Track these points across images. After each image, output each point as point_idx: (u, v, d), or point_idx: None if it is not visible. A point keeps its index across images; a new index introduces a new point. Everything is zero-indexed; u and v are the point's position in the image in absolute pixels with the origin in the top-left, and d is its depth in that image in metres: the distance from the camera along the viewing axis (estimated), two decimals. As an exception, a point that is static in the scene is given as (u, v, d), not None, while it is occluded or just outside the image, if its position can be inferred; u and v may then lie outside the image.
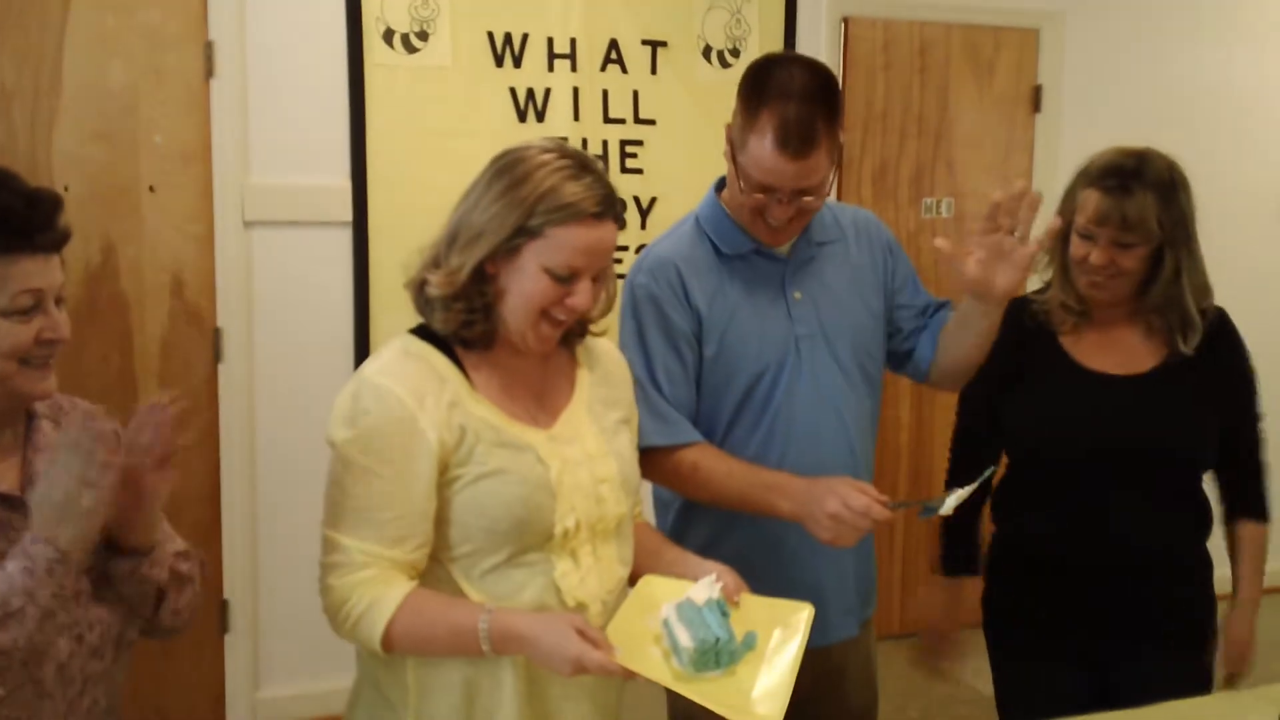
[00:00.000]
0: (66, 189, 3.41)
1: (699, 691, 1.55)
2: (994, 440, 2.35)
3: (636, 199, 3.97)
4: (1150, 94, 4.64)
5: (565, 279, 1.67)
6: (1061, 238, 2.29)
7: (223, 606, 3.68)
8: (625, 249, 3.94)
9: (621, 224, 1.74)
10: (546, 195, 1.64)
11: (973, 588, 2.43)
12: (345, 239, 3.67)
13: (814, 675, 2.14)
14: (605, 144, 3.91)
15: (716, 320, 2.13)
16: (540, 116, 3.82)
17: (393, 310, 3.57)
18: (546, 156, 1.68)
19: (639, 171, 3.95)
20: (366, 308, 3.69)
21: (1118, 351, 2.28)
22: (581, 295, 1.69)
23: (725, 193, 2.20)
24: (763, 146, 1.98)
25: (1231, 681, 2.31)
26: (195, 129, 3.53)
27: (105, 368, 3.51)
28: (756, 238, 2.14)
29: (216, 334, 3.60)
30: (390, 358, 1.69)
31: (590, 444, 1.78)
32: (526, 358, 1.76)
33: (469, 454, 1.66)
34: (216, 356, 3.61)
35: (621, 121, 3.93)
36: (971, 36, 4.44)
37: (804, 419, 2.15)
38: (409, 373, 1.67)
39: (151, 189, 3.51)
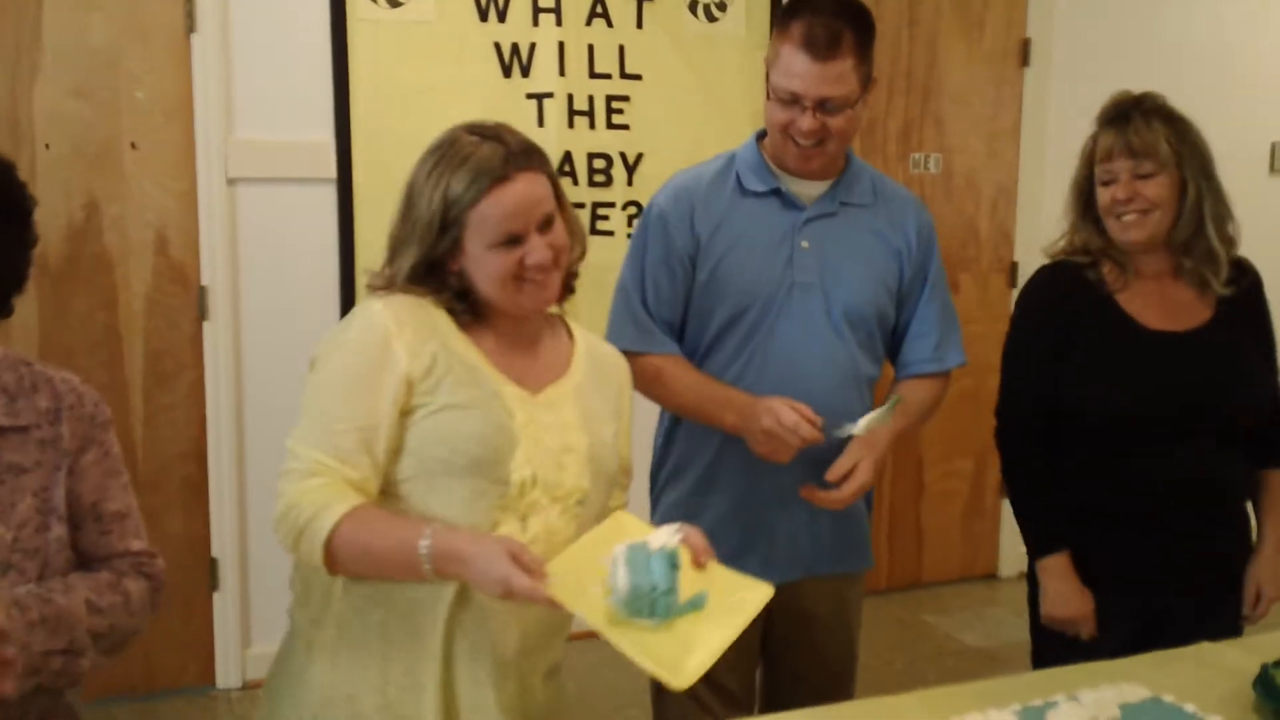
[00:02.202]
0: (48, 147, 3.38)
1: (620, 634, 1.49)
2: (1054, 405, 2.29)
3: (623, 155, 3.94)
4: (1140, 47, 4.61)
5: (512, 243, 1.68)
6: (1080, 195, 2.31)
7: (211, 565, 3.68)
8: (612, 205, 3.93)
9: (543, 170, 1.73)
10: (450, 183, 1.66)
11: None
12: (330, 195, 3.65)
13: (782, 612, 2.17)
14: (591, 99, 3.87)
15: (715, 247, 2.21)
16: (525, 71, 3.79)
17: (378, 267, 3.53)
18: (466, 137, 1.70)
19: (625, 127, 3.92)
20: (352, 264, 3.66)
21: (1172, 307, 2.28)
22: (535, 251, 1.69)
23: (765, 140, 2.27)
24: (790, 52, 2.10)
25: (1251, 623, 2.33)
26: (177, 85, 3.50)
27: (89, 325, 3.49)
28: (787, 171, 2.20)
29: (202, 292, 3.58)
30: (392, 296, 1.71)
31: (567, 415, 1.77)
32: (521, 328, 1.78)
33: (436, 384, 1.66)
34: (201, 314, 3.58)
35: (607, 76, 3.90)
36: (960, -12, 4.41)
37: (782, 362, 2.20)
38: (401, 304, 1.69)
39: (133, 145, 3.47)
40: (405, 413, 1.66)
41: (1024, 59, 4.53)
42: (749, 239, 2.21)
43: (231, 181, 3.55)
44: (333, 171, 3.63)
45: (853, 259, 2.24)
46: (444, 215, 1.67)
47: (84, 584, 1.58)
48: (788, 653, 2.34)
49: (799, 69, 2.08)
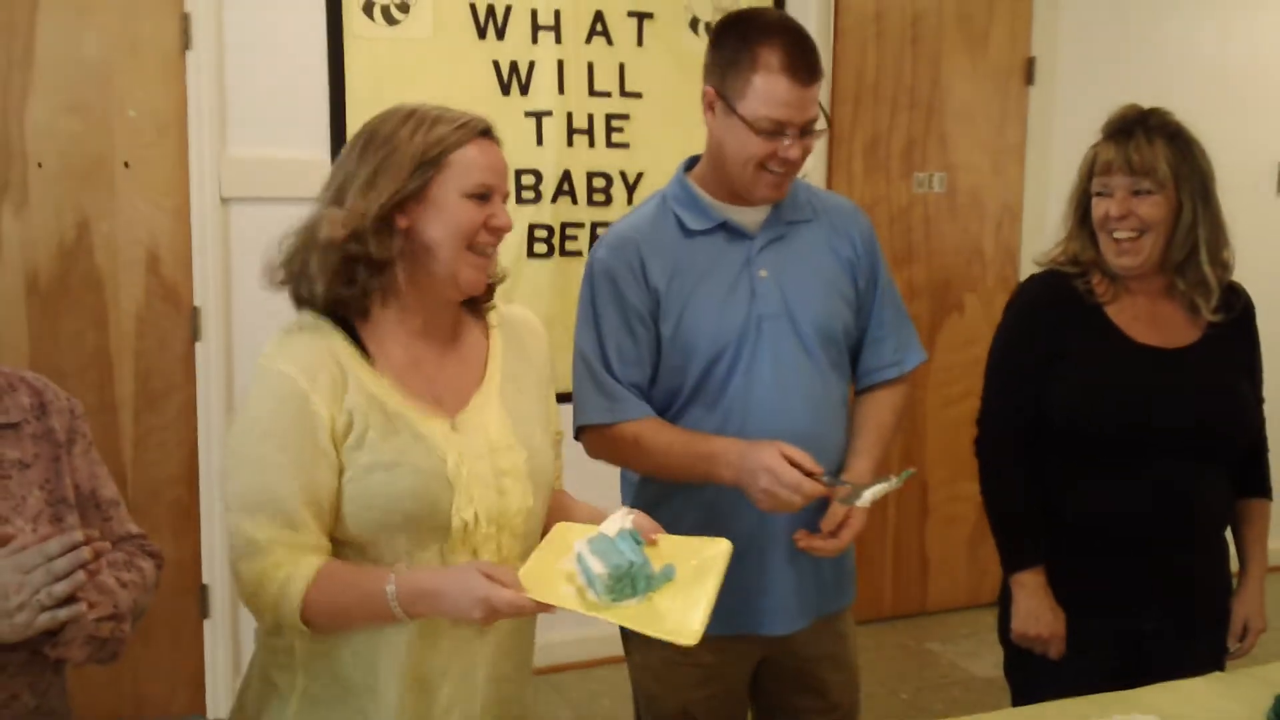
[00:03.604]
0: (40, 165, 3.33)
1: (618, 615, 1.51)
2: (1037, 417, 2.26)
3: (623, 174, 3.89)
4: (1145, 66, 4.56)
5: (484, 198, 1.65)
6: (1078, 206, 2.27)
7: (202, 591, 3.61)
8: (606, 224, 3.86)
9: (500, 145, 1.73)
10: (431, 128, 1.63)
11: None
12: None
13: (784, 658, 2.16)
14: (591, 118, 3.83)
15: (675, 299, 2.09)
16: (524, 89, 3.74)
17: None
18: (404, 111, 1.67)
19: (625, 146, 3.87)
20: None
21: (1161, 323, 2.24)
22: (502, 214, 1.67)
23: (696, 170, 2.17)
24: (773, 80, 1.99)
25: (1236, 656, 2.29)
26: (171, 101, 3.45)
27: (80, 345, 3.43)
28: (756, 195, 2.10)
29: (194, 312, 3.52)
30: (281, 337, 1.65)
31: (495, 433, 1.71)
32: (434, 331, 1.71)
33: (359, 440, 1.60)
34: (194, 334, 3.53)
35: (607, 95, 3.85)
36: (964, 7, 4.37)
37: (762, 402, 2.10)
38: (300, 348, 1.62)
39: (126, 164, 3.43)
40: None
41: (1029, 77, 4.49)
42: (708, 281, 2.10)
43: (225, 200, 3.50)
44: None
45: (811, 279, 2.16)
46: (423, 154, 1.62)
47: (105, 563, 1.60)
48: (790, 695, 2.26)
49: (786, 96, 1.99)
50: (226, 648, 3.64)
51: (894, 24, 4.27)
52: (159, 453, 3.55)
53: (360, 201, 1.60)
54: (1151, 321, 2.24)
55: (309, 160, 3.55)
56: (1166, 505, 2.17)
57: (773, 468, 1.92)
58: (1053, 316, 2.25)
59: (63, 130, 3.36)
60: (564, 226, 3.85)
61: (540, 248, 3.83)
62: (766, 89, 1.99)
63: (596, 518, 1.74)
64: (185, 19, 3.42)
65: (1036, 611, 2.24)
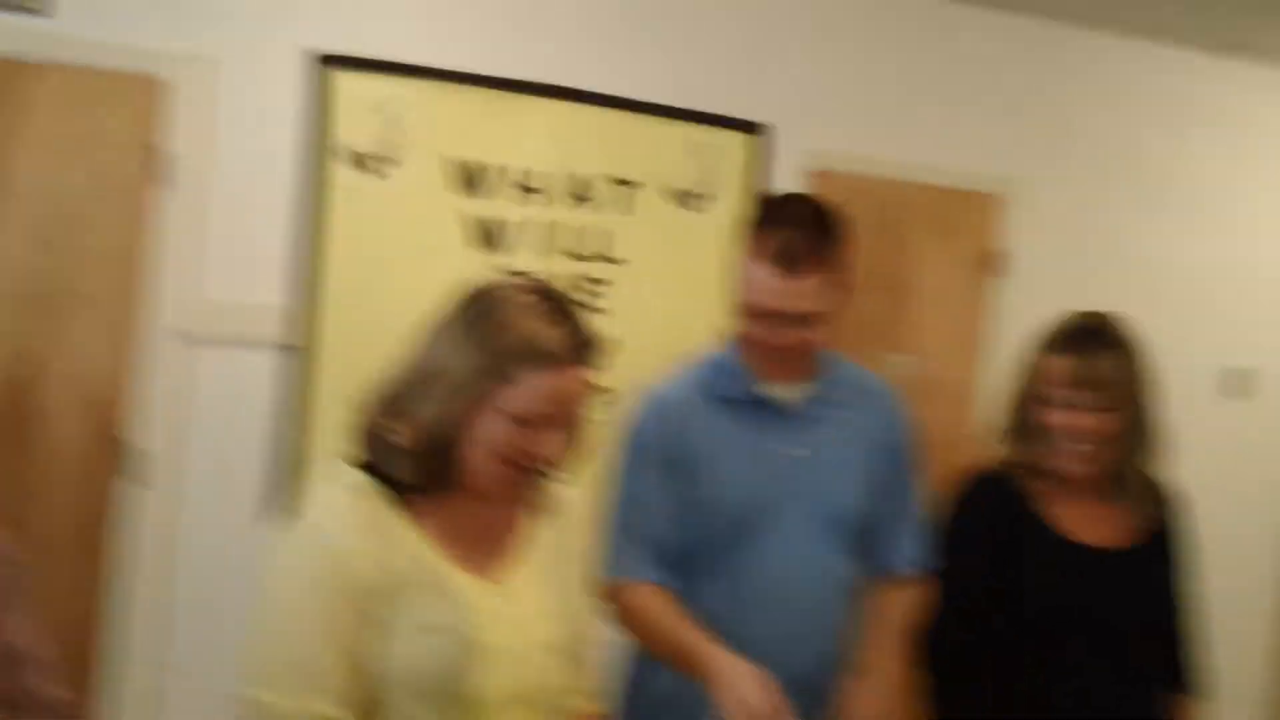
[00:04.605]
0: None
1: None
2: (990, 618, 2.21)
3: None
4: (1107, 266, 4.68)
5: (533, 425, 1.54)
6: (1023, 410, 2.25)
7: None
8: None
9: (597, 368, 1.62)
10: (522, 339, 1.53)
11: None
12: (288, 362, 3.48)
13: None
14: (571, 282, 3.79)
15: (705, 463, 2.07)
16: (506, 248, 3.70)
17: (333, 439, 3.34)
18: (525, 298, 1.57)
19: (602, 312, 3.83)
20: (301, 433, 3.48)
21: (1099, 523, 2.24)
22: (550, 444, 1.57)
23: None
24: (759, 268, 2.00)
25: None
26: (139, 240, 3.33)
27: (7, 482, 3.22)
28: (765, 379, 2.09)
29: (134, 454, 3.34)
30: (332, 493, 1.55)
31: (533, 604, 1.62)
32: (483, 501, 1.62)
33: (400, 603, 1.51)
34: (130, 477, 3.34)
35: (590, 260, 3.82)
36: (936, 198, 4.44)
37: (771, 581, 2.06)
38: (352, 510, 1.52)
39: (82, 296, 3.28)
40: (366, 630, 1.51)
41: (996, 269, 4.55)
42: (738, 452, 2.10)
43: (192, 342, 3.37)
44: (296, 338, 3.47)
45: (842, 465, 2.14)
46: (506, 356, 1.53)
47: None
48: None
49: (770, 285, 2.00)
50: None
51: (869, 209, 4.30)
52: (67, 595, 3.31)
53: (429, 408, 1.54)
54: (1091, 522, 2.24)
55: (278, 307, 3.46)
56: (1107, 705, 2.15)
57: (746, 700, 1.79)
58: (995, 517, 2.24)
59: (25, 261, 3.22)
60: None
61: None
62: (755, 275, 2.02)
63: None
64: (165, 158, 3.33)
65: None
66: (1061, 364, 2.18)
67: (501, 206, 3.69)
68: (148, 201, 3.34)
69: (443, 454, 1.55)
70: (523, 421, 1.54)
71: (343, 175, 3.50)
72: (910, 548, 2.22)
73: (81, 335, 3.31)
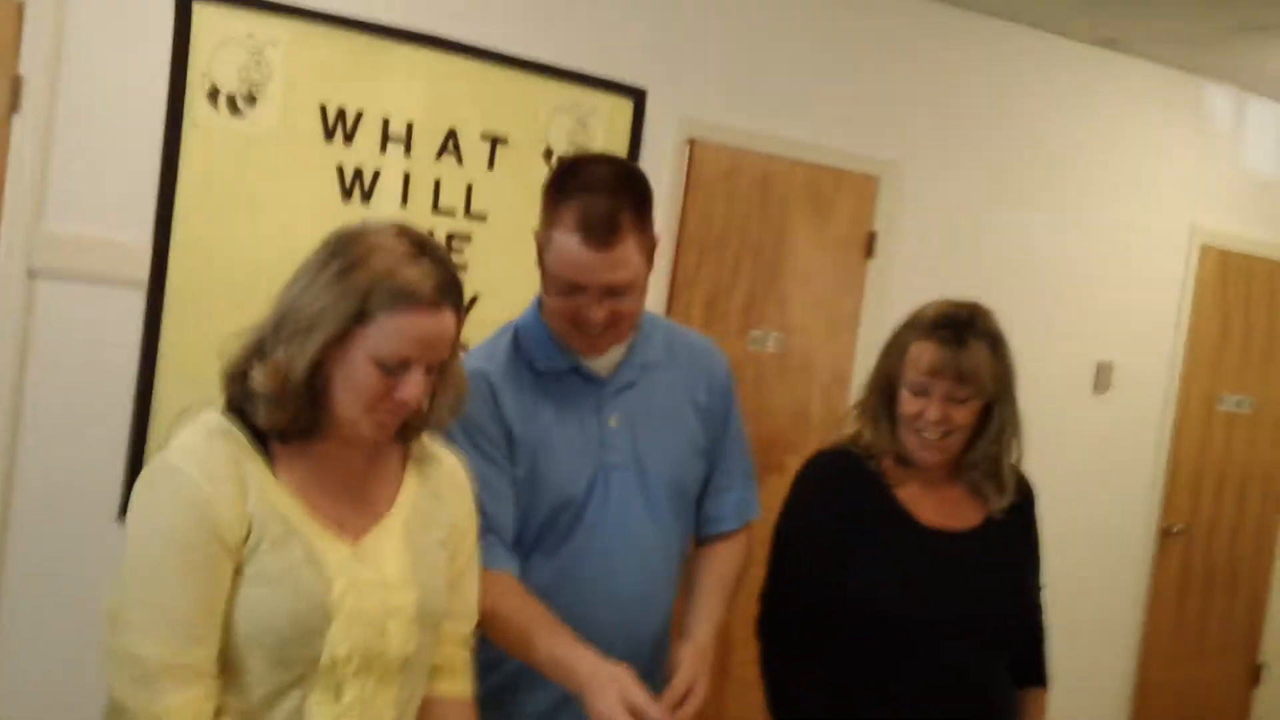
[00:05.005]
0: None
1: None
2: (823, 597, 2.19)
3: (458, 295, 3.79)
4: (980, 252, 4.74)
5: (394, 369, 1.52)
6: (882, 392, 2.23)
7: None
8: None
9: (459, 309, 1.60)
10: (382, 279, 1.50)
11: None
12: (138, 301, 3.38)
13: None
14: (431, 234, 3.72)
15: (527, 442, 2.00)
16: (366, 198, 3.64)
17: (181, 383, 3.29)
18: (384, 239, 1.55)
19: (463, 267, 3.79)
20: (152, 373, 3.39)
21: (946, 506, 2.24)
22: (410, 386, 1.54)
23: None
24: (567, 240, 1.88)
25: None
26: (-12, 166, 3.24)
27: None
28: (575, 350, 2.01)
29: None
30: (194, 437, 1.52)
31: (391, 568, 1.59)
32: (350, 452, 1.60)
33: (252, 550, 1.48)
34: (-26, 412, 3.26)
35: (451, 214, 3.78)
36: (813, 176, 4.46)
37: (600, 558, 2.02)
38: (211, 454, 1.49)
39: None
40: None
41: (869, 250, 4.58)
42: (558, 426, 2.02)
43: (33, 274, 3.28)
44: (144, 276, 3.37)
45: (663, 428, 2.10)
46: (366, 297, 1.50)
47: None
48: None
49: (575, 257, 1.89)
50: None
51: (745, 182, 4.32)
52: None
53: (288, 349, 1.52)
54: (938, 505, 2.24)
55: (129, 244, 3.37)
56: (955, 694, 2.15)
57: (609, 713, 1.75)
58: (844, 495, 2.22)
59: None
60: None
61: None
62: (563, 247, 1.91)
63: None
64: (18, 80, 3.23)
65: None
66: (925, 351, 2.16)
67: (366, 155, 3.63)
68: (4, 129, 3.23)
69: (302, 398, 1.52)
70: (385, 365, 1.52)
71: (202, 111, 3.41)
72: (736, 501, 2.20)
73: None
